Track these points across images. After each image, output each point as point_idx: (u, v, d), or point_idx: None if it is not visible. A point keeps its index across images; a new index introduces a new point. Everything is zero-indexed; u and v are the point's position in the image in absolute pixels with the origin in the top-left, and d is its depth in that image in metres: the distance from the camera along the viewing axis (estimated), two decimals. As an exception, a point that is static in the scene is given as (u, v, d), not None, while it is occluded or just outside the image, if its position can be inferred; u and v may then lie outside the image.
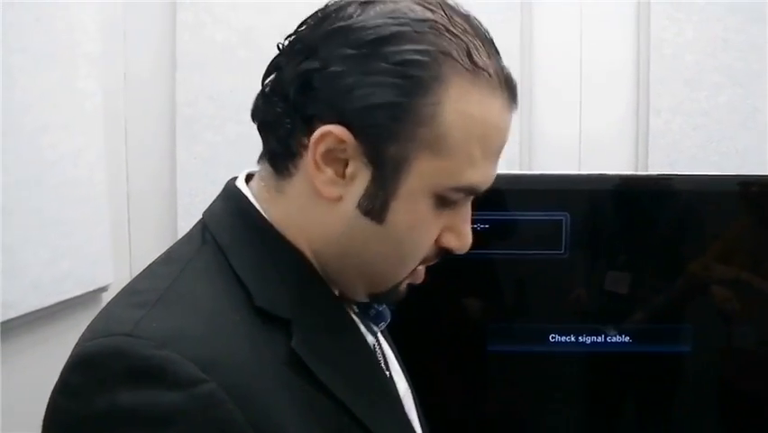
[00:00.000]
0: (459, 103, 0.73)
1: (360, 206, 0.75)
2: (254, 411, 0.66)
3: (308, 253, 0.78)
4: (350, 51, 0.72)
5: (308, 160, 0.74)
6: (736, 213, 1.63)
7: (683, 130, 1.77)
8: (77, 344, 0.70)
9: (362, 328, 0.86)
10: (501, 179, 1.52)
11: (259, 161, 0.81)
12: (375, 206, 0.75)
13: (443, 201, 0.76)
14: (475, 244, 1.50)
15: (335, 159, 0.74)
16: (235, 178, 0.83)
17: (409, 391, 0.93)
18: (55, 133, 1.62)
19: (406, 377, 0.94)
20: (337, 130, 0.72)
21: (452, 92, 0.72)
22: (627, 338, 1.61)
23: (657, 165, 1.76)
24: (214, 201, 0.83)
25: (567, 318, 1.63)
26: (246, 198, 0.79)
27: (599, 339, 1.61)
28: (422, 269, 0.82)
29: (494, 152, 0.78)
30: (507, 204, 1.58)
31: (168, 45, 1.82)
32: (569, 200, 1.56)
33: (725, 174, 1.59)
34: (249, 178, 0.83)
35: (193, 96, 1.82)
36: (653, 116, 1.77)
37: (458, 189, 0.76)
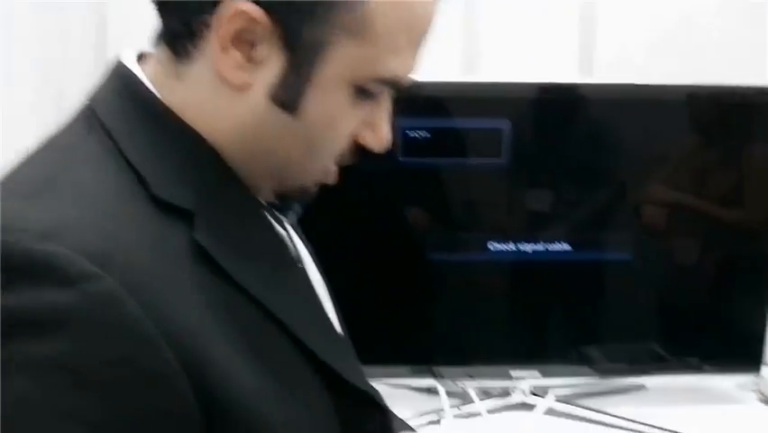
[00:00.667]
0: None
1: (271, 95, 0.69)
2: (158, 311, 0.60)
3: (213, 142, 0.72)
4: None
5: (213, 40, 0.67)
6: (684, 125, 1.61)
7: (631, 34, 1.72)
8: None
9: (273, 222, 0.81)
10: (443, 86, 1.51)
11: (155, 44, 0.73)
12: (288, 95, 0.68)
13: (362, 93, 0.71)
14: (416, 153, 1.49)
15: (244, 40, 0.66)
16: (121, 57, 0.74)
17: (324, 286, 0.89)
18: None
19: (320, 273, 0.90)
20: (250, 8, 0.65)
21: None
22: (567, 246, 1.61)
23: (603, 69, 1.72)
24: (99, 84, 0.74)
25: (507, 227, 1.61)
26: (138, 78, 0.71)
27: (539, 247, 1.60)
28: (335, 168, 0.77)
29: (419, 42, 0.72)
30: (449, 111, 1.54)
31: None
32: (510, 108, 1.53)
33: (672, 83, 1.56)
34: (141, 59, 0.74)
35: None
36: (600, 23, 1.72)
37: (380, 81, 0.71)
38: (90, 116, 0.71)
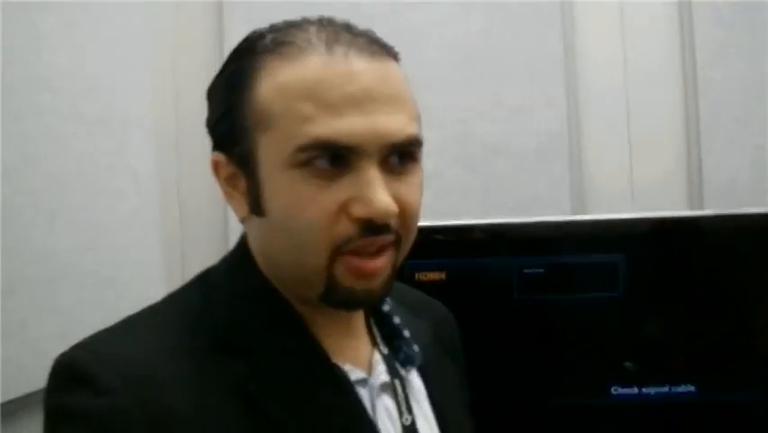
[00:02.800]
0: (268, 80, 0.77)
1: (250, 210, 0.80)
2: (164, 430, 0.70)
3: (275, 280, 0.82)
4: (212, 94, 0.83)
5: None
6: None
7: (738, 167, 1.73)
8: None
9: (380, 368, 0.85)
10: (554, 225, 1.53)
11: None
12: (254, 202, 0.78)
13: (306, 167, 0.74)
14: (532, 290, 1.50)
15: (232, 184, 0.80)
16: None
17: None
18: (109, 198, 1.66)
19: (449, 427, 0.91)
20: (213, 156, 0.81)
21: (263, 75, 0.77)
22: (692, 388, 1.55)
23: (713, 204, 1.72)
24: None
25: (628, 367, 1.57)
26: (245, 236, 0.85)
27: (663, 390, 1.55)
28: (356, 256, 0.76)
29: (334, 104, 0.74)
30: (561, 249, 1.55)
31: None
32: (623, 241, 1.53)
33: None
34: None
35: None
36: (706, 154, 1.74)
37: (304, 148, 0.73)
38: (203, 272, 0.86)
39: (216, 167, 0.82)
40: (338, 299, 0.78)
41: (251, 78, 0.77)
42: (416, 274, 1.55)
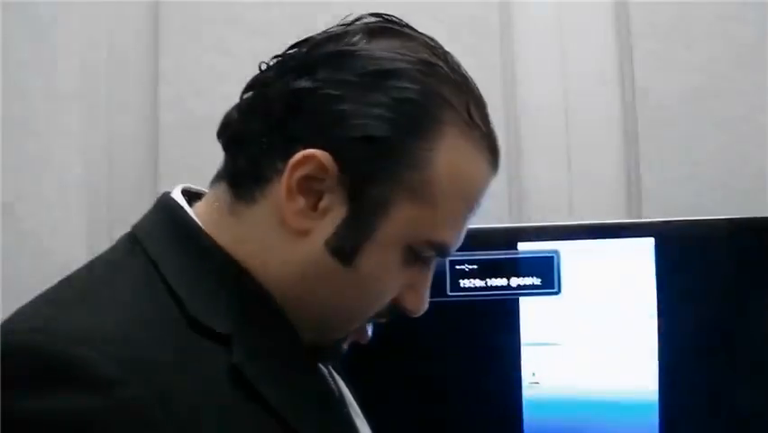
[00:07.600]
0: (451, 153, 0.70)
1: (328, 244, 0.70)
2: (185, 423, 0.59)
3: (261, 280, 0.72)
4: (350, 78, 0.69)
5: (281, 184, 0.69)
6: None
7: (677, 180, 1.73)
8: None
9: None
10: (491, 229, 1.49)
11: (214, 183, 0.76)
12: (345, 246, 0.70)
13: (412, 255, 0.72)
14: (465, 286, 1.44)
15: (310, 189, 0.70)
16: (170, 192, 0.77)
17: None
18: (32, 204, 1.61)
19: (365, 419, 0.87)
20: (322, 156, 0.68)
21: (447, 141, 0.70)
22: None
23: (654, 218, 1.70)
24: (145, 214, 0.76)
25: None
26: (183, 210, 0.73)
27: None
28: (369, 328, 0.78)
29: (470, 214, 0.75)
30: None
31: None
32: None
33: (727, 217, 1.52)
34: (194, 197, 0.78)
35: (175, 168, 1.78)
36: (645, 168, 1.74)
37: (432, 245, 0.72)
38: (133, 242, 0.72)
39: (304, 162, 0.68)
40: (328, 353, 0.78)
41: (432, 137, 0.70)
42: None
